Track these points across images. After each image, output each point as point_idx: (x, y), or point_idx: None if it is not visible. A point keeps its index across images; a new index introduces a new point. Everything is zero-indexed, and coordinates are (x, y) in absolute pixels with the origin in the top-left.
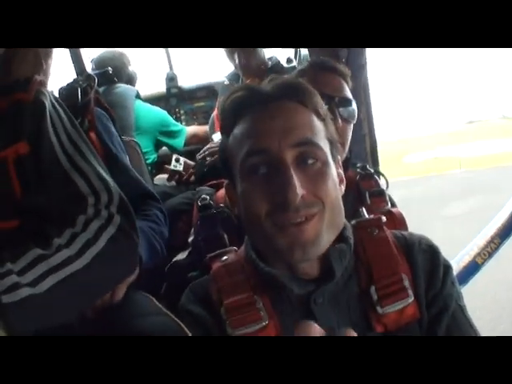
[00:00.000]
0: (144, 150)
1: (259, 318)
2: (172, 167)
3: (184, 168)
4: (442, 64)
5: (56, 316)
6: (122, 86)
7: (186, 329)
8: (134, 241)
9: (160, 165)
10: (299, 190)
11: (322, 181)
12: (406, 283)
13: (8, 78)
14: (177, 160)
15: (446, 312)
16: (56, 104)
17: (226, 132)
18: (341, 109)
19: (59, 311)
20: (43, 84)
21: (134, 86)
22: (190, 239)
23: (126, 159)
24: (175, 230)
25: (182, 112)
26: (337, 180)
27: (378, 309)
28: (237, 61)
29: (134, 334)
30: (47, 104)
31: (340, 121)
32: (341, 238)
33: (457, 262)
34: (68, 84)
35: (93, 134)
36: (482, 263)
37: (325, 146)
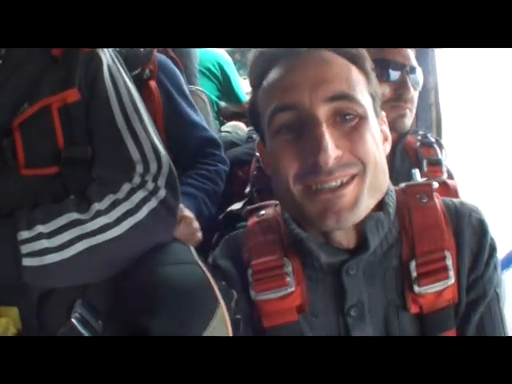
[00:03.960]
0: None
1: (285, 284)
2: None
3: None
4: None
5: (79, 279)
6: None
7: (211, 280)
8: (175, 216)
9: (228, 112)
10: (333, 151)
11: (360, 138)
12: (449, 262)
13: None
14: None
15: (483, 299)
16: (116, 59)
17: (255, 85)
18: (411, 76)
19: (83, 276)
20: None
21: None
22: (247, 190)
23: (192, 107)
24: (234, 179)
25: None
26: (379, 137)
27: (416, 287)
28: None
29: (157, 281)
30: (105, 56)
31: (412, 88)
32: (380, 204)
33: None
34: None
35: (153, 83)
36: None
37: (365, 100)
